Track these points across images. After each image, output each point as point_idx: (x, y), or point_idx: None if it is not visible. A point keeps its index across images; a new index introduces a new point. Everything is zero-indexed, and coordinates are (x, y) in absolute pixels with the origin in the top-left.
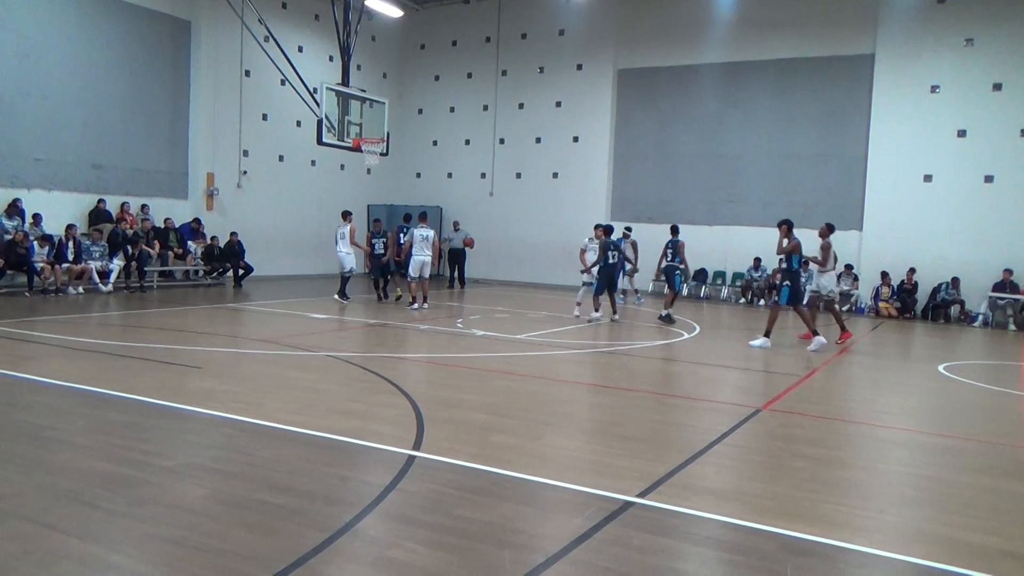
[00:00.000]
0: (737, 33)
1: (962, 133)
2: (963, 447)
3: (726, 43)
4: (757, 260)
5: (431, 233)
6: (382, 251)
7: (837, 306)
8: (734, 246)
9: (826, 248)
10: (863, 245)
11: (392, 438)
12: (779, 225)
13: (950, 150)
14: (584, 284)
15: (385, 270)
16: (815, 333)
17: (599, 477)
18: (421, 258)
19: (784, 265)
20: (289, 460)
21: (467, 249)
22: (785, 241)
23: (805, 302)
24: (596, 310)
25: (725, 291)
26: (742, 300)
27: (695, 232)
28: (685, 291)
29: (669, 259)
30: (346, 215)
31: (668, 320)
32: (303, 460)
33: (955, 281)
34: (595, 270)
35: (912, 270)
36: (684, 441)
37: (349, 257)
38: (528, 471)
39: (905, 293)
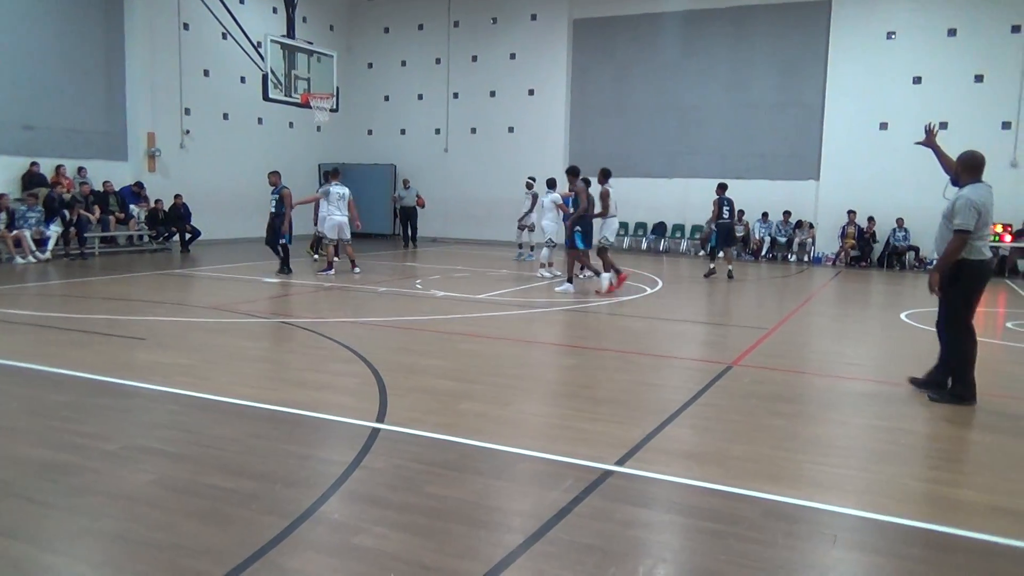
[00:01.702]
0: None
1: (918, 80)
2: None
3: None
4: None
5: (347, 191)
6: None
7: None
8: (693, 198)
9: (604, 195)
10: (820, 194)
11: (353, 410)
12: (567, 173)
13: (906, 97)
14: (548, 245)
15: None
16: (616, 270)
17: (574, 445)
18: (339, 218)
19: (572, 210)
20: (242, 438)
21: (418, 208)
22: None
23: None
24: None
25: (684, 244)
26: (701, 252)
27: (653, 185)
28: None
29: (726, 217)
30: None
31: (712, 274)
32: (258, 438)
33: (900, 222)
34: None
35: (871, 219)
36: (658, 402)
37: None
38: (499, 441)
39: (863, 241)
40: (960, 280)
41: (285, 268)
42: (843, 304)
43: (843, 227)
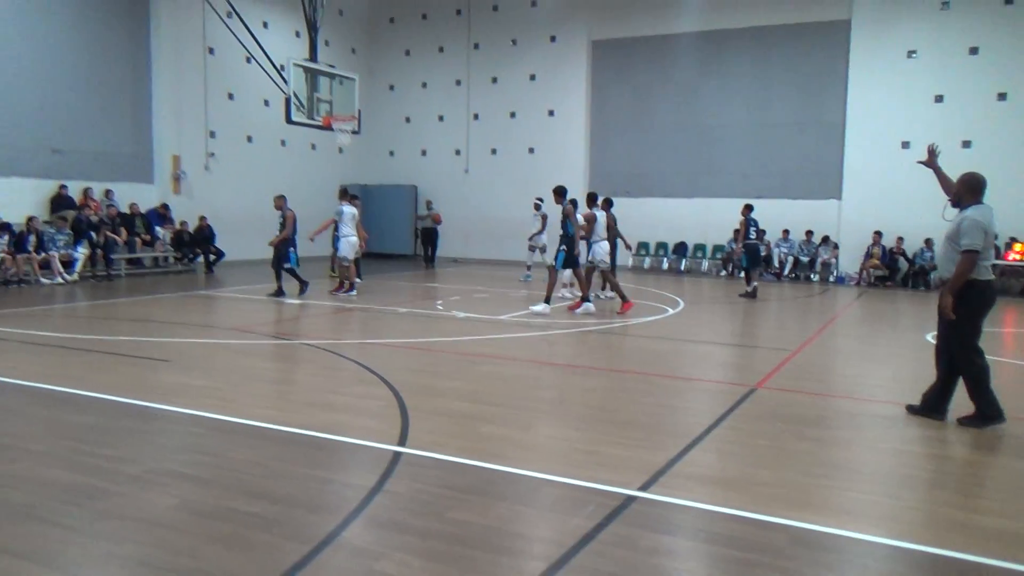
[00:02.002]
0: (713, 1)
1: (939, 98)
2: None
3: (702, 11)
4: (736, 231)
5: (355, 211)
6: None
7: (615, 276)
8: (714, 218)
9: (589, 219)
10: (842, 214)
11: (375, 432)
12: (554, 192)
13: (928, 116)
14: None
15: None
16: (585, 299)
17: (597, 469)
18: (355, 239)
19: (561, 231)
20: (265, 461)
21: (437, 227)
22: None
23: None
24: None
25: (705, 264)
26: (723, 272)
27: (674, 205)
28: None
29: (753, 236)
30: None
31: (752, 295)
32: (280, 461)
33: (928, 243)
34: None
35: (900, 239)
36: (681, 425)
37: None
38: (521, 465)
39: (891, 260)
40: (968, 301)
41: (279, 292)
42: (868, 325)
43: (868, 247)
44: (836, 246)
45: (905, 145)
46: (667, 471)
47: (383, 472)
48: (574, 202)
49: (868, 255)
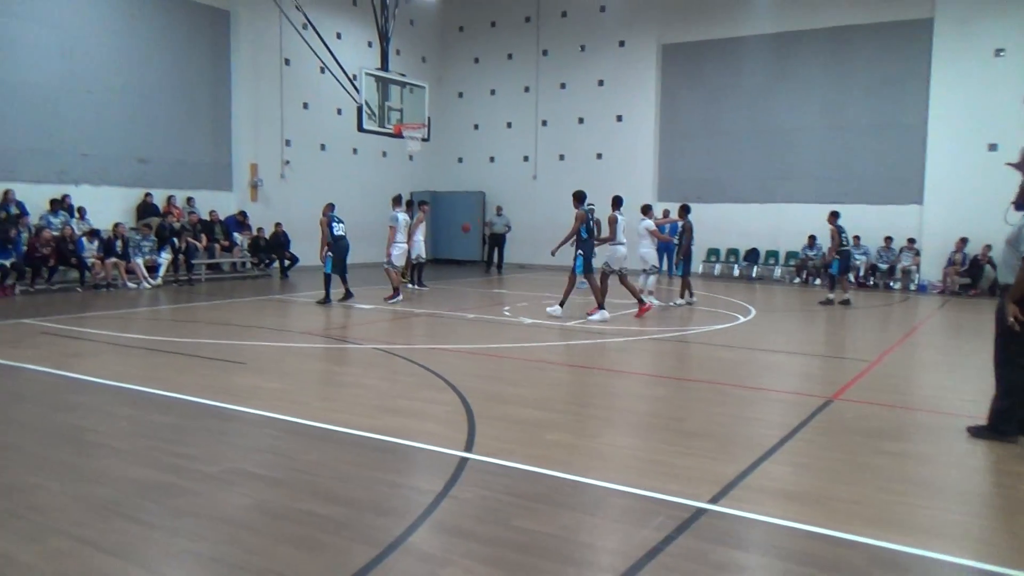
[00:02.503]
0: (786, 1)
1: None
2: None
3: (775, 12)
4: (812, 238)
5: (408, 217)
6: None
7: (629, 279)
8: (787, 224)
9: (612, 221)
10: (924, 219)
11: (442, 438)
12: (573, 196)
13: (1016, 117)
14: (651, 272)
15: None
16: (601, 306)
17: (665, 480)
18: (405, 246)
19: (584, 236)
20: (335, 464)
21: (506, 234)
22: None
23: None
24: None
25: (778, 271)
26: (796, 280)
27: (745, 210)
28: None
29: (846, 243)
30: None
31: (846, 304)
32: (350, 464)
33: None
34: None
35: (988, 246)
36: (753, 437)
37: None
38: (588, 474)
39: (977, 268)
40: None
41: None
42: (953, 335)
43: (951, 254)
44: (918, 253)
45: (992, 147)
46: (738, 483)
47: (449, 477)
48: (616, 201)
49: (951, 262)
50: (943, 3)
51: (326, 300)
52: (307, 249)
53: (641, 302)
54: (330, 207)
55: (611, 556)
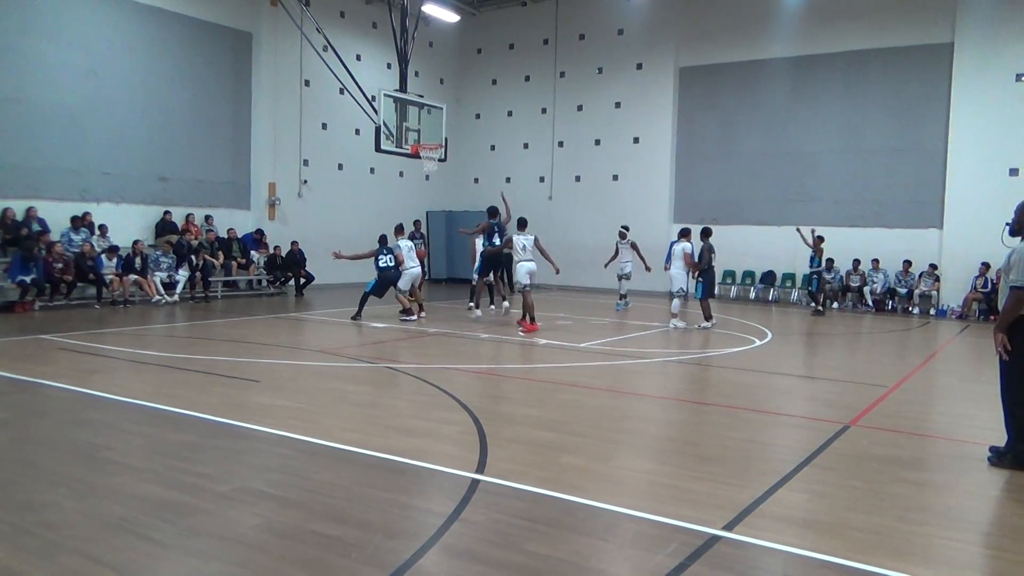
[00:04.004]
0: (805, 25)
1: None
2: None
3: (793, 36)
4: (829, 261)
5: (413, 245)
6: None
7: (530, 296)
8: (804, 247)
9: (508, 243)
10: (944, 244)
11: (454, 459)
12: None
13: None
14: (679, 295)
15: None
16: (530, 316)
17: (679, 506)
18: (416, 271)
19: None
20: (347, 484)
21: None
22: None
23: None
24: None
25: (795, 294)
26: (813, 303)
27: (762, 233)
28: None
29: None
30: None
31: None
32: (361, 484)
33: None
34: (684, 276)
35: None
36: (769, 462)
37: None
38: (601, 498)
39: (996, 294)
40: (1016, 337)
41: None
42: (973, 361)
43: (973, 279)
44: (938, 278)
45: (1013, 172)
46: (753, 510)
47: (461, 499)
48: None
49: (973, 288)
50: (963, 28)
51: (358, 316)
52: (323, 267)
53: (532, 320)
54: (384, 238)
55: None
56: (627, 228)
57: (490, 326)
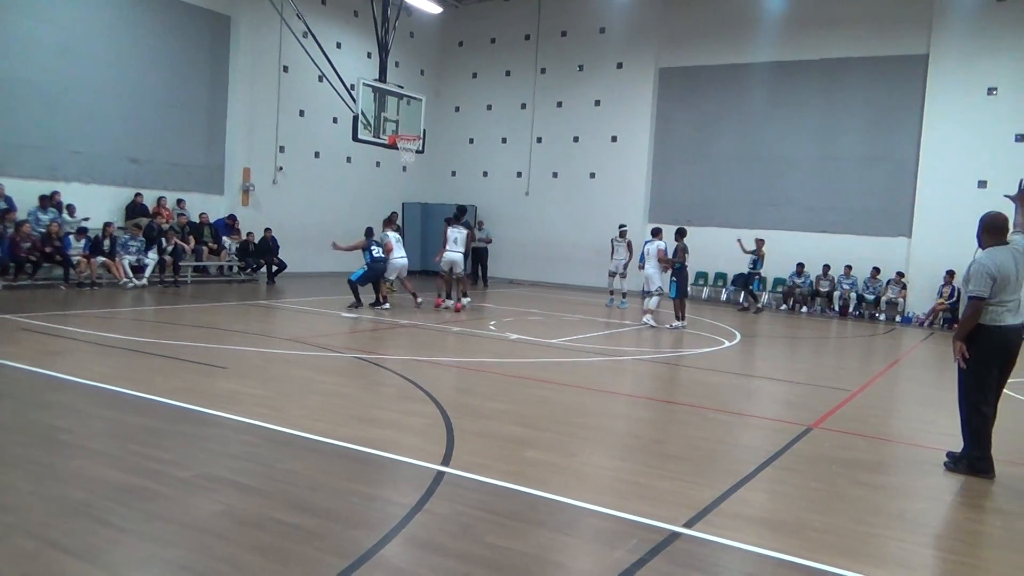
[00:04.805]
0: (784, 32)
1: (1020, 137)
2: None
3: (773, 42)
4: (800, 265)
5: (400, 236)
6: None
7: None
8: (776, 251)
9: (388, 248)
10: (912, 252)
11: (420, 451)
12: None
13: (1007, 155)
14: (657, 293)
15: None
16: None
17: (641, 502)
18: (402, 261)
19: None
20: (311, 473)
21: (487, 247)
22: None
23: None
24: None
25: (766, 297)
26: (783, 306)
27: (735, 235)
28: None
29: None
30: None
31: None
32: (325, 473)
33: None
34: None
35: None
36: (731, 462)
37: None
38: (564, 493)
39: (958, 301)
40: (976, 347)
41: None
42: (934, 368)
43: (940, 288)
44: (904, 286)
45: (982, 184)
46: (714, 509)
47: (425, 491)
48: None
49: (940, 295)
50: (938, 41)
51: (358, 304)
52: (296, 255)
53: (440, 295)
54: (370, 230)
55: None
56: (625, 227)
57: (462, 320)
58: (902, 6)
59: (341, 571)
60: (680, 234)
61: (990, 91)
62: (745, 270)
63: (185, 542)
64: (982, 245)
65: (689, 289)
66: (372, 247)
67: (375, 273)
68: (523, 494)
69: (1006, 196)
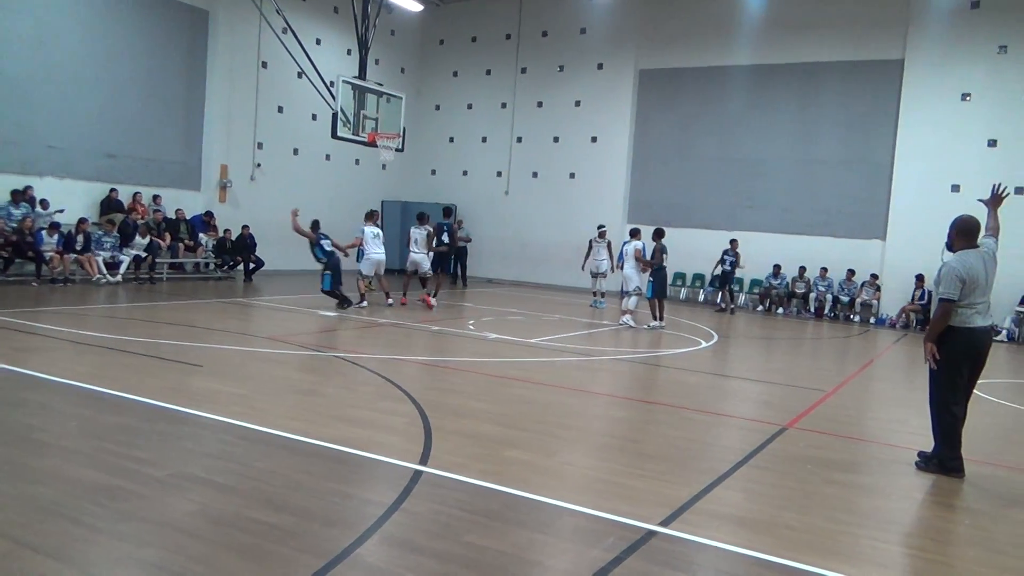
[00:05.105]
0: (763, 35)
1: (993, 143)
2: (1001, 475)
3: (751, 45)
4: (776, 267)
5: (380, 232)
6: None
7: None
8: (752, 252)
9: (431, 236)
10: (886, 255)
11: (398, 450)
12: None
13: (980, 160)
14: (636, 293)
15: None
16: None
17: (618, 501)
18: (378, 257)
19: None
20: (288, 472)
21: (467, 246)
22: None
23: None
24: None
25: (743, 298)
26: (759, 307)
27: (713, 237)
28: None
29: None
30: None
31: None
32: (302, 473)
33: None
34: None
35: None
36: (708, 461)
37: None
38: (542, 492)
39: (932, 305)
40: (947, 349)
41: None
42: (907, 369)
43: (913, 291)
44: (879, 288)
45: (955, 188)
46: (690, 507)
47: (403, 490)
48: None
49: (912, 298)
50: (914, 46)
51: (346, 303)
52: (273, 253)
53: (404, 294)
54: (316, 223)
55: (560, 575)
56: (604, 227)
57: (441, 319)
58: (878, 11)
59: (318, 570)
60: (658, 234)
61: (964, 96)
62: (719, 271)
63: (160, 541)
64: (953, 248)
65: (668, 290)
66: (321, 240)
67: (336, 268)
68: (501, 493)
69: (980, 200)
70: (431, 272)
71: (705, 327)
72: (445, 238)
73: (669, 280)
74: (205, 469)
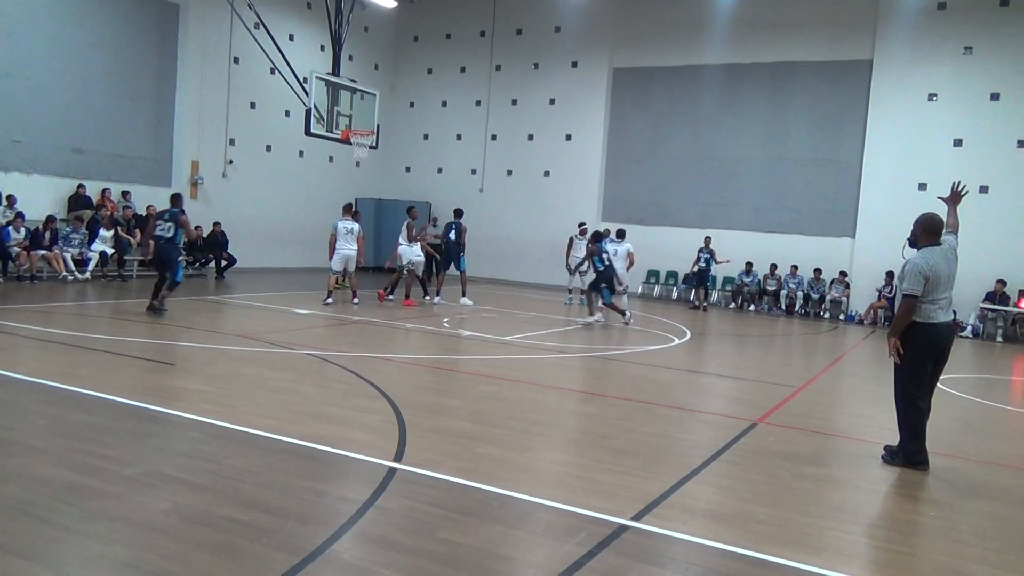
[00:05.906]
0: (735, 35)
1: (958, 142)
2: (964, 468)
3: (723, 45)
4: (749, 264)
5: (356, 226)
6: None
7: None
8: (725, 250)
9: (410, 227)
10: (855, 252)
11: (372, 447)
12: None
13: (946, 159)
14: (619, 291)
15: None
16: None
17: (591, 496)
18: (346, 252)
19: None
20: (260, 470)
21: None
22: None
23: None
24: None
25: (715, 295)
26: (732, 305)
27: (685, 235)
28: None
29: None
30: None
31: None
32: (275, 470)
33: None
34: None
35: None
36: (679, 456)
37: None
38: (516, 488)
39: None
40: (910, 344)
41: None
42: (875, 365)
43: (880, 288)
44: (848, 285)
45: (922, 187)
46: (662, 502)
47: (377, 487)
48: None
49: (880, 296)
50: (882, 47)
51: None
52: (246, 250)
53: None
54: (178, 197)
55: (533, 570)
56: (585, 224)
57: (415, 317)
58: (849, 12)
59: (291, 567)
60: (619, 235)
61: (930, 97)
62: (696, 268)
63: (132, 540)
64: (917, 244)
65: (621, 288)
66: (159, 223)
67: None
68: (475, 490)
69: (940, 198)
70: (410, 266)
71: (678, 324)
72: (452, 235)
73: (643, 278)
74: (177, 467)
